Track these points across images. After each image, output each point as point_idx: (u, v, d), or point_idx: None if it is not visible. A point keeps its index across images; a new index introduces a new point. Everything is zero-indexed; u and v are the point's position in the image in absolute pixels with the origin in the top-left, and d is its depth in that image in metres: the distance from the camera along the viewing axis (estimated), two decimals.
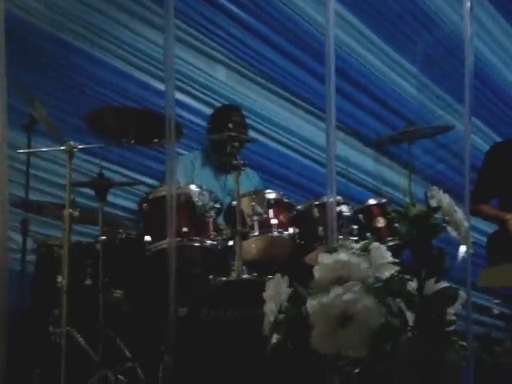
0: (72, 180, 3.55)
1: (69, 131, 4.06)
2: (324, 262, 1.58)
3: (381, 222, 4.15)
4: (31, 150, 4.07)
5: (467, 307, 1.77)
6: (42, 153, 4.44)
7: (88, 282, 3.86)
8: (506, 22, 7.05)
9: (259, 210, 3.92)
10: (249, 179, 4.69)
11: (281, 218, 3.96)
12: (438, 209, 1.66)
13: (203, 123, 5.17)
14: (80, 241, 4.07)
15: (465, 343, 1.74)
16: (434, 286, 1.64)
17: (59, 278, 3.51)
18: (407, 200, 1.68)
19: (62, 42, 5.04)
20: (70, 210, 3.46)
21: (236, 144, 4.08)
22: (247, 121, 4.90)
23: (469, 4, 2.07)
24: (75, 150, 3.53)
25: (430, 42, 6.44)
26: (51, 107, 4.10)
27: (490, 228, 4.94)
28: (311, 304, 1.55)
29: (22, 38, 4.71)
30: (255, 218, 3.90)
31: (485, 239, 4.84)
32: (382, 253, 1.69)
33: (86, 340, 3.54)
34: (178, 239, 3.63)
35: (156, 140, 3.92)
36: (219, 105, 5.36)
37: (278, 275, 1.72)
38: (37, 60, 4.89)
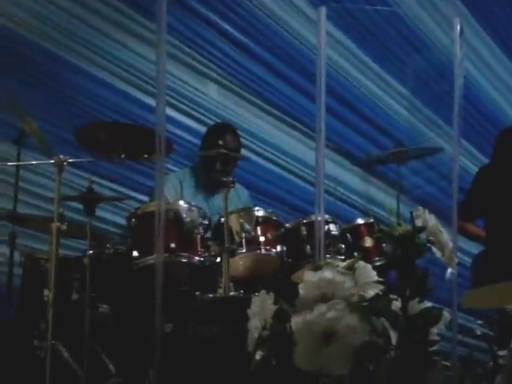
0: (61, 194, 3.55)
1: (59, 145, 4.07)
2: (309, 279, 1.59)
3: (368, 242, 4.17)
4: (21, 163, 4.07)
5: (453, 328, 1.78)
6: (31, 166, 4.44)
7: (74, 296, 3.85)
8: (494, 44, 7.10)
9: (247, 227, 3.92)
10: (238, 195, 4.69)
11: (269, 235, 3.97)
12: (422, 229, 1.67)
13: (194, 140, 5.18)
14: (67, 255, 4.06)
15: (448, 363, 1.75)
16: (418, 305, 1.64)
17: (46, 292, 3.50)
18: (392, 220, 1.69)
19: (55, 55, 5.05)
20: (58, 224, 3.46)
21: (226, 161, 4.10)
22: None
23: (459, 26, 2.08)
24: (64, 163, 3.53)
25: (421, 64, 6.48)
26: (42, 121, 4.11)
27: (475, 249, 4.96)
28: (295, 321, 1.55)
29: (14, 52, 4.72)
30: (243, 235, 3.91)
31: (469, 260, 4.86)
32: (368, 272, 1.70)
33: (71, 354, 3.52)
34: (166, 255, 3.63)
35: (146, 155, 3.93)
36: (210, 122, 5.37)
37: (264, 292, 1.73)
38: (28, 73, 4.90)
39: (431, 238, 1.68)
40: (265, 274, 4.05)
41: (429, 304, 1.66)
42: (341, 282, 1.59)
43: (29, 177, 4.66)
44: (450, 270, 1.76)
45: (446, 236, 1.72)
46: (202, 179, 4.72)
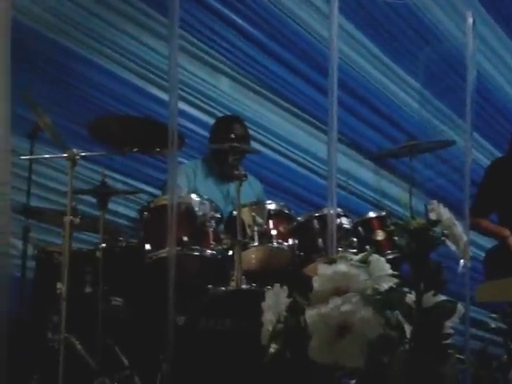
0: (74, 187, 3.56)
1: (73, 139, 4.08)
2: (323, 272, 1.59)
3: (380, 235, 4.17)
4: (34, 157, 4.09)
5: (465, 321, 1.78)
6: (44, 160, 4.45)
7: (87, 289, 3.87)
8: (507, 37, 7.08)
9: (259, 220, 3.93)
10: (251, 187, 4.69)
11: (281, 229, 3.97)
12: (437, 222, 1.67)
13: (205, 133, 5.18)
14: (80, 248, 4.08)
15: (461, 357, 1.75)
16: (432, 299, 1.65)
17: (59, 285, 3.51)
18: (407, 213, 1.69)
19: (68, 50, 5.05)
20: (71, 217, 3.47)
21: (237, 156, 4.14)
22: (249, 131, 4.91)
23: (471, 20, 2.08)
24: (77, 157, 3.54)
25: (433, 57, 6.46)
26: (55, 115, 4.12)
27: (488, 243, 4.95)
28: (310, 314, 1.56)
29: (28, 46, 4.73)
30: (255, 228, 3.91)
31: (483, 254, 4.85)
32: (382, 265, 1.70)
33: (85, 347, 3.53)
34: (178, 248, 3.64)
35: (158, 149, 3.93)
36: (221, 115, 5.37)
37: (277, 285, 1.74)
38: (42, 68, 4.91)
39: (445, 231, 1.68)
40: (276, 267, 4.05)
41: (443, 297, 1.66)
42: (355, 275, 1.59)
43: (42, 170, 4.67)
44: (462, 262, 1.76)
45: (460, 229, 1.72)
46: (215, 170, 4.73)
